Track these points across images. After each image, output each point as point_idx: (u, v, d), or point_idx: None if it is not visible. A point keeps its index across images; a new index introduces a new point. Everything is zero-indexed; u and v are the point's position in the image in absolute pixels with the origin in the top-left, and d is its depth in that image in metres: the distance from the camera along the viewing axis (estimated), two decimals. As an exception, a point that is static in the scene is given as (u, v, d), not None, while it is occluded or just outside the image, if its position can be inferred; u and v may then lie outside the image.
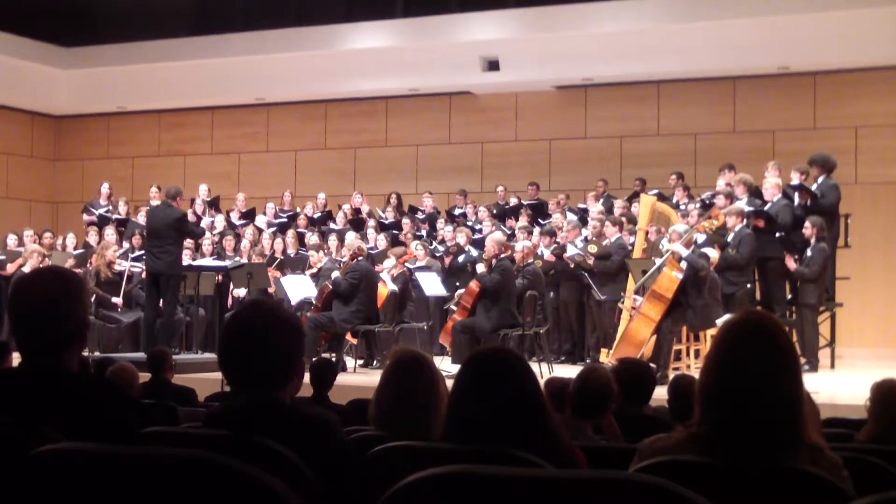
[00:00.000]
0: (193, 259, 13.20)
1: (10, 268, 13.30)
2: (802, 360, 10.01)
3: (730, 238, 11.03)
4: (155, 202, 14.96)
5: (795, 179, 11.82)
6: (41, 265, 11.96)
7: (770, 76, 15.07)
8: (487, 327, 10.62)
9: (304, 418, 2.56)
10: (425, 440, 2.84)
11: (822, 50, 14.07)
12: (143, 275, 12.79)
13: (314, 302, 11.68)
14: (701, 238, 10.68)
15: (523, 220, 13.77)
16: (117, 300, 12.47)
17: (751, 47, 14.26)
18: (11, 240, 14.45)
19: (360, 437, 3.14)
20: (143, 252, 13.39)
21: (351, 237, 12.95)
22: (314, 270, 12.54)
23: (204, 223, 14.57)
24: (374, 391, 3.33)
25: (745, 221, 11.10)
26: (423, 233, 14.41)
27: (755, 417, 2.33)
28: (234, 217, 15.31)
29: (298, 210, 15.63)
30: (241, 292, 12.94)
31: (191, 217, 13.99)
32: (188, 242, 12.76)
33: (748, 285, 11.17)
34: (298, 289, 11.95)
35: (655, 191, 13.35)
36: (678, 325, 10.35)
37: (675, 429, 2.53)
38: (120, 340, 12.62)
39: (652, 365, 9.82)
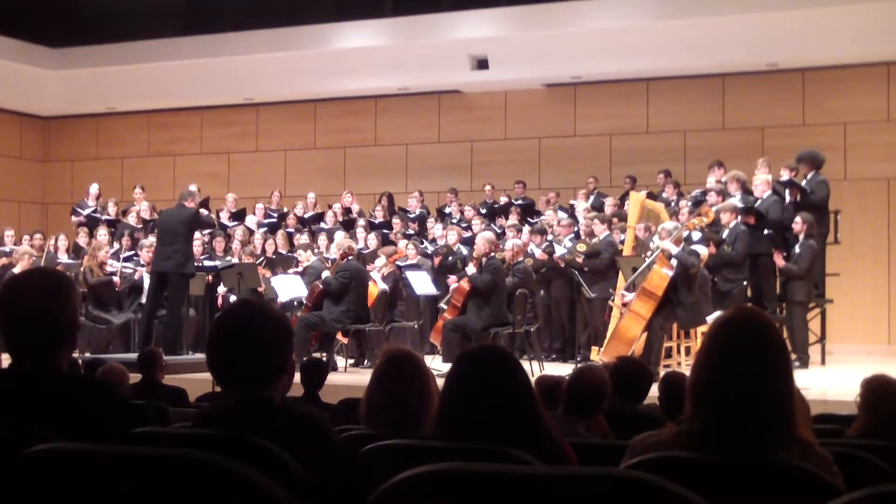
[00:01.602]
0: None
1: None
2: (793, 357, 10.03)
3: (725, 235, 11.04)
4: (144, 203, 14.96)
5: (785, 176, 11.84)
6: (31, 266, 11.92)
7: (759, 73, 15.09)
8: (478, 326, 10.62)
9: (295, 417, 2.55)
10: (416, 438, 2.84)
11: (810, 46, 14.10)
12: (136, 275, 12.80)
13: (305, 301, 11.67)
14: (696, 235, 10.69)
15: (513, 219, 13.78)
16: (116, 279, 12.57)
17: (739, 44, 14.28)
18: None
19: (352, 436, 3.14)
20: (133, 252, 13.38)
21: (340, 236, 12.95)
22: (299, 269, 12.53)
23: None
24: (365, 390, 3.33)
25: (739, 218, 11.11)
26: (413, 232, 14.40)
27: (746, 414, 2.33)
28: (225, 217, 15.28)
29: (287, 210, 15.61)
30: (223, 290, 12.97)
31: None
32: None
33: (744, 283, 11.15)
34: (288, 288, 11.95)
35: (644, 192, 13.34)
36: (669, 322, 10.35)
37: (665, 425, 2.53)
38: (110, 341, 12.59)
39: (643, 362, 9.88)
